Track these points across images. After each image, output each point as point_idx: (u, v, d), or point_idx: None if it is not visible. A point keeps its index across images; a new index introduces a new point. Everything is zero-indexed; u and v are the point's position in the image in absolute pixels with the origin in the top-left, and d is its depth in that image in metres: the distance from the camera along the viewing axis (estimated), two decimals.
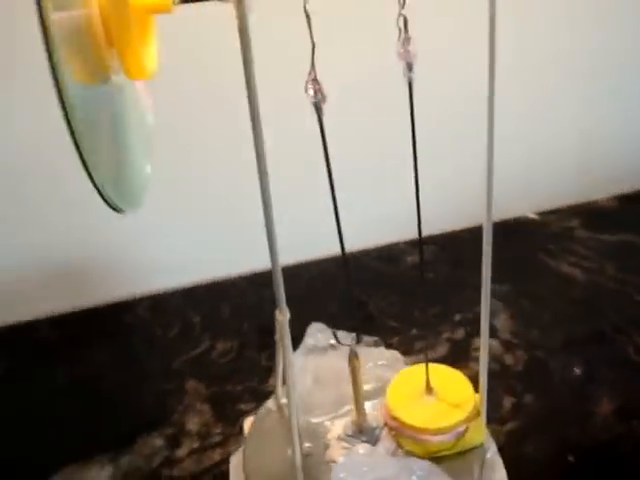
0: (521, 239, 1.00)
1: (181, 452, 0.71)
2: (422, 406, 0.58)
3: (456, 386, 0.59)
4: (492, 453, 0.60)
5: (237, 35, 0.38)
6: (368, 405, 0.60)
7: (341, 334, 0.66)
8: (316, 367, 0.63)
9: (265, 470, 0.57)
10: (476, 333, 0.80)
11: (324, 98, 0.43)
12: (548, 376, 0.75)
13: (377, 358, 0.65)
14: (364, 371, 0.62)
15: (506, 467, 0.57)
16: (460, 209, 0.99)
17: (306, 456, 0.57)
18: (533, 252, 0.96)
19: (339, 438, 0.58)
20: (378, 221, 0.99)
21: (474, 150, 0.96)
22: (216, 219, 0.96)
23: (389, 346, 0.73)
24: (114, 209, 0.39)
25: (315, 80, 0.42)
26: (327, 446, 0.58)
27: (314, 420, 0.60)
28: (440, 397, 0.58)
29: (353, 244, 0.96)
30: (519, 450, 0.67)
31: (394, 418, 0.57)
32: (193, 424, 0.74)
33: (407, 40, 0.43)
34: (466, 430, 0.56)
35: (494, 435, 0.67)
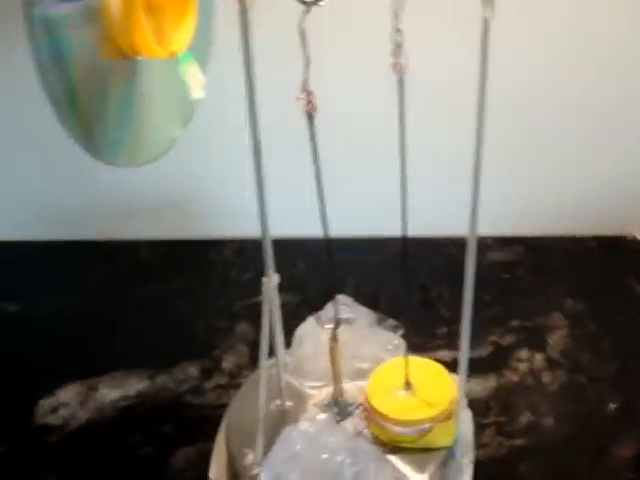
0: (617, 260, 0.94)
1: (208, 384, 0.77)
2: (396, 396, 0.58)
3: (438, 386, 0.58)
4: (465, 459, 0.59)
5: None
6: (355, 383, 0.61)
7: (361, 309, 0.67)
8: (326, 337, 0.66)
9: (243, 421, 0.61)
10: (525, 343, 0.78)
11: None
12: (580, 404, 0.71)
13: (385, 342, 0.65)
14: (368, 350, 0.63)
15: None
16: (557, 215, 0.95)
17: (282, 412, 0.60)
18: (623, 274, 0.90)
19: (317, 405, 0.61)
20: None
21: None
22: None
23: (432, 336, 0.74)
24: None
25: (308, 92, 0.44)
26: (305, 409, 0.61)
27: (306, 384, 0.63)
28: (417, 392, 0.59)
29: (435, 230, 0.96)
30: (512, 468, 0.66)
31: (367, 400, 0.58)
32: (228, 362, 0.80)
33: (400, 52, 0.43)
34: (431, 429, 0.56)
35: (495, 446, 0.66)
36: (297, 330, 0.67)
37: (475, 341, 0.80)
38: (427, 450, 0.57)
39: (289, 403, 0.62)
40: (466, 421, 0.63)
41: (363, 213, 0.98)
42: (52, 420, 0.78)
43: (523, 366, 0.76)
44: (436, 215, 0.96)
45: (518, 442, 0.68)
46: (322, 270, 0.62)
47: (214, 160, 0.98)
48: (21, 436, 0.76)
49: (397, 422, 0.57)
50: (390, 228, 0.98)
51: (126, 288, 0.95)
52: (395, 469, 0.55)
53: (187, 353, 0.82)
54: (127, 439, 0.72)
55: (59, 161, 1.00)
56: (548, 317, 0.82)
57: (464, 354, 0.56)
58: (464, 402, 0.59)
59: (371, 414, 0.58)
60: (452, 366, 0.76)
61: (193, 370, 0.80)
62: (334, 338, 0.58)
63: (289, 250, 0.95)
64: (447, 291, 0.88)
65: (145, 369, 0.80)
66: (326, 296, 0.65)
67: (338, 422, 0.60)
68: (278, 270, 0.57)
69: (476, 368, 0.76)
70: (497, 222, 0.95)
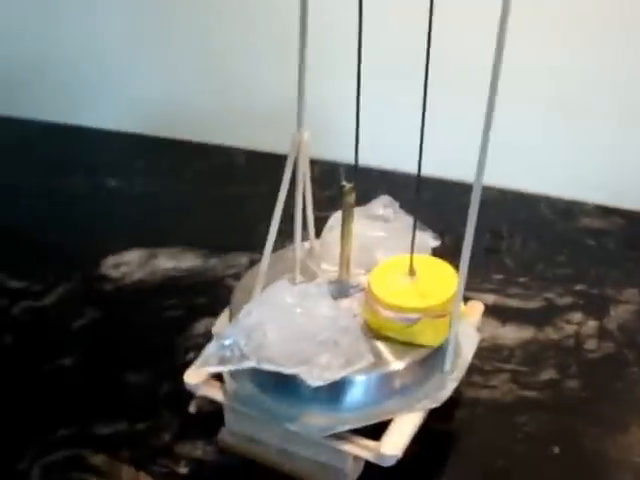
0: None
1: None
2: (395, 282, 0.57)
3: (441, 285, 0.56)
4: (453, 375, 0.56)
5: None
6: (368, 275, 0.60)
7: (403, 214, 0.65)
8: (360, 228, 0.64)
9: (249, 290, 0.62)
10: (582, 308, 0.72)
11: None
12: (615, 378, 0.65)
13: (416, 243, 0.62)
14: (395, 246, 0.61)
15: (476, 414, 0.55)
16: None
17: (292, 280, 0.61)
18: None
19: (325, 280, 0.61)
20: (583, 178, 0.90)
21: None
22: None
23: (485, 279, 0.70)
24: None
25: None
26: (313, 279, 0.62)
27: (324, 266, 0.63)
28: (417, 284, 0.57)
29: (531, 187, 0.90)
30: (511, 416, 0.62)
31: (368, 284, 0.57)
32: None
33: None
34: (418, 321, 0.54)
35: (503, 391, 0.63)
36: (331, 217, 0.66)
37: (529, 293, 0.76)
38: (412, 345, 0.55)
39: (301, 277, 0.63)
40: (470, 341, 0.60)
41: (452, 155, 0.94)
42: (113, 273, 0.86)
43: (570, 328, 0.70)
44: (535, 174, 0.90)
45: (529, 394, 0.64)
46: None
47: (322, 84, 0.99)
48: (85, 278, 0.86)
49: (387, 305, 0.55)
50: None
51: (212, 184, 1.01)
52: (372, 346, 0.54)
53: (246, 245, 0.85)
54: (164, 300, 0.78)
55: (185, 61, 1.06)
56: (621, 291, 0.74)
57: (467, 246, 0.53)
58: (461, 308, 0.55)
59: (366, 296, 0.57)
60: (493, 310, 0.75)
61: (244, 260, 0.83)
62: (349, 192, 0.57)
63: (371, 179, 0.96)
64: (520, 245, 0.83)
65: (203, 250, 0.85)
66: None
67: (335, 298, 0.59)
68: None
69: (516, 317, 0.72)
70: (604, 190, 0.88)
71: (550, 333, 0.70)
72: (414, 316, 0.55)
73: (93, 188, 1.06)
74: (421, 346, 0.56)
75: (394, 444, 0.53)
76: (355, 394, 0.55)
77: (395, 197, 0.71)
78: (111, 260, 0.89)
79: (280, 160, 0.61)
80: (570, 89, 0.86)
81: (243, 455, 0.61)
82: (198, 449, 0.63)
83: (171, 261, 0.87)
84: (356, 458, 0.55)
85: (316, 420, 0.55)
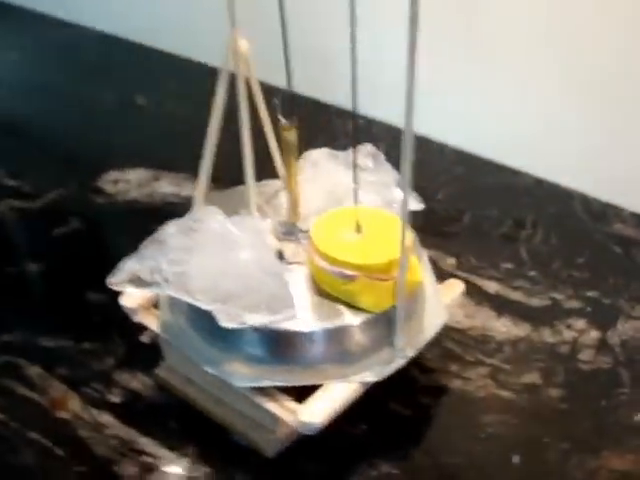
0: None
1: None
2: (338, 233, 0.51)
3: (391, 245, 0.49)
4: (402, 352, 0.50)
5: None
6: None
7: (387, 166, 0.59)
8: (323, 172, 0.59)
9: None
10: (587, 315, 0.65)
11: None
12: (598, 397, 0.57)
13: (391, 200, 0.56)
14: (364, 197, 0.55)
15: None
16: None
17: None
18: None
19: (275, 220, 0.57)
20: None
21: None
22: None
23: (491, 265, 0.63)
24: None
25: None
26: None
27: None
28: (363, 240, 0.51)
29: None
30: (475, 415, 0.56)
31: (310, 229, 0.52)
32: None
33: None
34: (356, 280, 0.48)
35: (476, 386, 0.57)
36: (305, 154, 0.60)
37: (536, 288, 0.69)
38: (352, 307, 0.50)
39: (257, 216, 0.57)
40: (435, 321, 0.54)
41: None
42: (109, 187, 0.83)
43: (568, 333, 0.63)
44: (576, 170, 0.82)
45: (504, 394, 0.57)
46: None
47: None
48: (80, 187, 0.83)
49: (324, 256, 0.49)
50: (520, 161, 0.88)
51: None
52: (312, 301, 0.49)
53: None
54: (151, 224, 0.71)
55: None
56: (634, 306, 0.66)
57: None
58: (416, 278, 0.50)
59: (308, 243, 0.52)
60: (492, 300, 0.68)
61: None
62: (288, 151, 0.51)
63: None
64: (541, 238, 0.75)
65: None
66: None
67: (280, 241, 0.54)
68: None
69: (515, 311, 0.65)
70: None
71: (546, 335, 0.63)
72: (350, 272, 0.48)
73: (120, 102, 1.02)
74: (362, 310, 0.50)
75: (314, 412, 0.47)
76: (285, 349, 0.50)
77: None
78: (112, 175, 0.86)
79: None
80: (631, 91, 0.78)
81: (179, 395, 0.57)
82: (136, 380, 0.59)
83: (172, 187, 0.83)
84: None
85: (239, 369, 0.50)
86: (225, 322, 0.47)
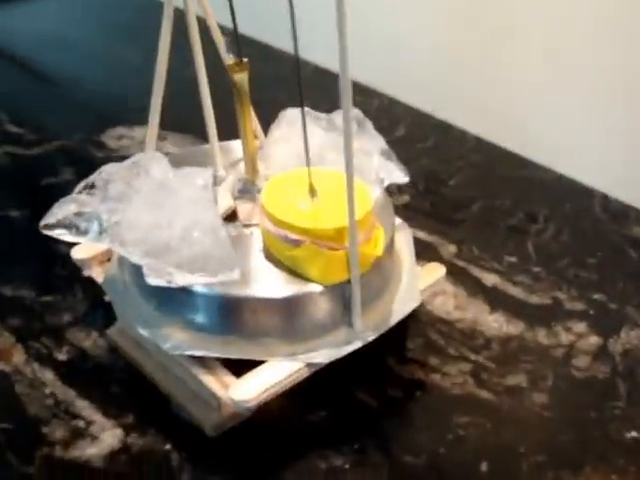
0: None
1: None
2: (291, 195, 0.46)
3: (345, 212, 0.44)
4: (359, 335, 0.45)
5: None
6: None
7: (374, 134, 0.54)
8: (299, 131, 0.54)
9: None
10: (590, 319, 0.59)
11: None
12: (586, 408, 0.51)
13: (368, 170, 0.50)
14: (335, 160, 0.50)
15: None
16: None
17: None
18: None
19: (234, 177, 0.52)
20: None
21: None
22: None
23: (493, 257, 0.57)
24: None
25: None
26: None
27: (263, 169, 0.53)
28: (317, 203, 0.46)
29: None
30: (449, 413, 0.51)
31: (264, 189, 0.48)
32: None
33: None
34: (301, 245, 0.43)
35: (453, 382, 0.51)
36: (282, 112, 0.56)
37: (538, 286, 0.63)
38: (301, 278, 0.45)
39: (221, 172, 0.54)
40: (404, 304, 0.49)
41: None
42: (111, 143, 0.81)
43: (566, 337, 0.56)
44: (600, 169, 0.76)
45: (483, 395, 0.51)
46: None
47: None
48: (82, 140, 0.81)
49: (270, 217, 0.45)
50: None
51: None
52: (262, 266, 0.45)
53: None
54: None
55: None
56: None
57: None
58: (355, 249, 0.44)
59: (262, 204, 0.47)
60: (488, 293, 0.62)
61: None
62: (239, 96, 0.46)
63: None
64: (552, 234, 0.68)
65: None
66: None
67: (235, 199, 0.50)
68: None
69: (510, 307, 0.59)
70: None
71: (541, 336, 0.57)
72: (295, 237, 0.44)
73: (146, 61, 0.98)
74: (309, 280, 0.45)
75: (247, 390, 0.42)
76: (226, 317, 0.45)
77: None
78: (119, 130, 0.83)
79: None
80: None
81: (127, 359, 0.53)
82: (89, 340, 0.55)
83: (176, 148, 0.79)
84: None
85: (175, 334, 0.46)
86: (152, 279, 0.42)
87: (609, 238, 0.68)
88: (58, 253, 0.63)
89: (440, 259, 0.65)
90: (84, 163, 0.76)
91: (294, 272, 0.45)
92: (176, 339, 0.45)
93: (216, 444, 0.47)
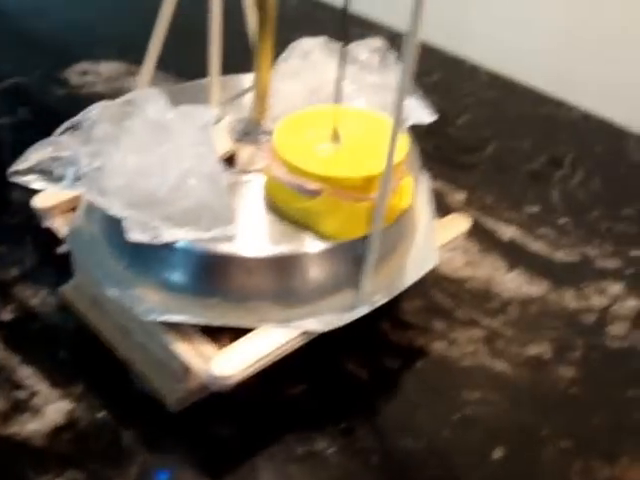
0: None
1: None
2: (310, 138, 0.38)
3: (374, 157, 0.36)
4: (371, 297, 0.38)
5: None
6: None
7: (395, 67, 0.45)
8: (312, 65, 0.45)
9: None
10: (625, 279, 0.50)
11: None
12: (629, 388, 0.43)
13: (384, 105, 0.42)
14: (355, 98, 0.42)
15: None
16: None
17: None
18: None
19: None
20: None
21: None
22: None
23: (513, 207, 0.49)
24: None
25: None
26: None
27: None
28: (341, 148, 0.37)
29: None
30: (449, 382, 0.42)
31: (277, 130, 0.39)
32: None
33: None
34: (318, 195, 0.35)
35: (464, 350, 0.44)
36: (294, 42, 0.47)
37: (564, 240, 0.55)
38: (313, 233, 0.37)
39: (219, 112, 0.45)
40: (420, 263, 0.41)
41: None
42: (74, 78, 0.72)
43: (599, 300, 0.48)
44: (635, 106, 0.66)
45: (499, 366, 0.43)
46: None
47: None
48: (42, 76, 0.71)
49: (283, 163, 0.37)
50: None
51: None
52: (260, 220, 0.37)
53: None
54: None
55: None
56: None
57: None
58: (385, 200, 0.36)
59: (269, 147, 0.39)
60: (505, 248, 0.54)
61: None
62: (262, 13, 0.37)
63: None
64: (580, 180, 0.60)
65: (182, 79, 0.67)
66: None
67: (235, 142, 0.42)
68: None
69: (532, 264, 0.51)
70: None
71: (568, 298, 0.49)
72: (312, 187, 0.36)
73: None
74: (321, 235, 0.38)
75: (230, 364, 0.35)
76: (211, 277, 0.38)
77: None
78: (83, 66, 0.73)
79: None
80: None
81: (82, 321, 0.46)
82: (38, 298, 0.47)
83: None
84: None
85: (149, 296, 0.38)
86: (134, 234, 0.35)
87: None
88: (10, 200, 0.55)
89: (447, 208, 0.56)
90: (43, 101, 0.68)
91: (298, 227, 0.37)
92: (150, 301, 0.37)
93: (178, 421, 0.40)
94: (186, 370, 0.38)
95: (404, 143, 0.39)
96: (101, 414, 0.40)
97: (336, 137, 0.38)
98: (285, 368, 0.40)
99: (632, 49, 0.66)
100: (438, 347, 0.45)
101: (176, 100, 0.40)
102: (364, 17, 0.81)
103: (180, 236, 0.36)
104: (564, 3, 0.69)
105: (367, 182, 0.37)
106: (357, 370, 0.43)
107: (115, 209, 0.36)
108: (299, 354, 0.40)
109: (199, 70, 0.49)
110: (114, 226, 0.38)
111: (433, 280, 0.49)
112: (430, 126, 0.65)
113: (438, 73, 0.75)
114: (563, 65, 0.71)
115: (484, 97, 0.71)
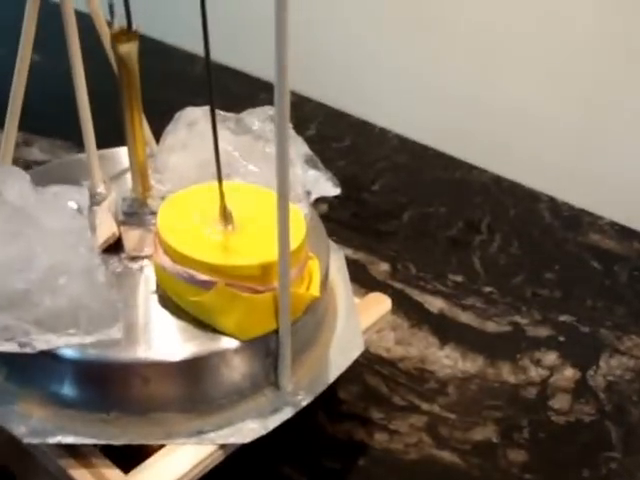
0: None
1: None
2: (198, 220, 0.34)
3: (271, 241, 0.32)
4: (293, 397, 0.33)
5: None
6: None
7: (300, 141, 0.42)
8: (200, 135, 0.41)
9: None
10: (560, 348, 0.49)
11: None
12: (584, 466, 0.41)
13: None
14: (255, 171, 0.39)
15: None
16: None
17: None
18: None
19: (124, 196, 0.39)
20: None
21: None
22: None
23: (437, 276, 0.47)
24: None
25: None
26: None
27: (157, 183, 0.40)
28: (234, 231, 0.33)
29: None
30: None
31: (160, 211, 0.35)
32: None
33: None
34: (213, 287, 0.31)
35: (409, 442, 0.40)
36: (180, 112, 0.43)
37: (493, 310, 0.53)
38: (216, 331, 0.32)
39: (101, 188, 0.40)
40: (344, 353, 0.37)
41: None
42: None
43: (536, 372, 0.46)
44: (545, 170, 0.67)
45: (446, 457, 0.40)
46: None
47: None
48: None
49: (168, 250, 0.33)
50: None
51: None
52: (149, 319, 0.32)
53: None
54: None
55: None
56: (621, 336, 0.50)
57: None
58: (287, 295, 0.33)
59: (152, 229, 0.35)
60: (434, 322, 0.52)
61: None
62: (126, 79, 0.33)
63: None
64: (499, 245, 0.58)
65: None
66: None
67: (119, 224, 0.37)
68: None
69: (464, 338, 0.49)
70: (627, 208, 0.64)
71: (506, 372, 0.47)
72: (204, 277, 0.32)
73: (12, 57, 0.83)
74: (221, 333, 0.33)
75: None
76: (103, 388, 0.33)
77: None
78: None
79: None
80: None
81: None
82: None
83: (44, 154, 0.66)
84: None
85: (31, 411, 0.32)
86: None
87: (565, 248, 0.59)
88: None
89: (372, 280, 0.54)
90: None
91: (200, 323, 0.33)
92: (36, 420, 0.32)
93: None
94: None
95: (301, 222, 0.35)
96: None
97: (227, 218, 0.34)
98: (214, 478, 0.36)
99: (537, 116, 0.67)
100: (379, 439, 0.41)
101: (51, 180, 0.35)
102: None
103: (55, 343, 0.31)
104: (470, 69, 0.69)
105: (265, 270, 0.32)
106: (296, 475, 0.39)
107: None
108: (230, 460, 0.35)
109: (108, 139, 0.44)
110: None
111: (366, 362, 0.46)
112: (345, 193, 0.63)
113: (349, 137, 0.73)
114: (470, 130, 0.72)
115: (396, 161, 0.69)
